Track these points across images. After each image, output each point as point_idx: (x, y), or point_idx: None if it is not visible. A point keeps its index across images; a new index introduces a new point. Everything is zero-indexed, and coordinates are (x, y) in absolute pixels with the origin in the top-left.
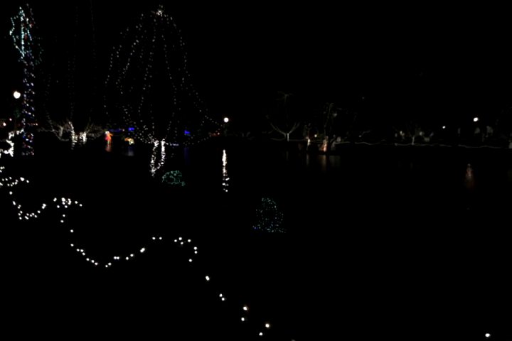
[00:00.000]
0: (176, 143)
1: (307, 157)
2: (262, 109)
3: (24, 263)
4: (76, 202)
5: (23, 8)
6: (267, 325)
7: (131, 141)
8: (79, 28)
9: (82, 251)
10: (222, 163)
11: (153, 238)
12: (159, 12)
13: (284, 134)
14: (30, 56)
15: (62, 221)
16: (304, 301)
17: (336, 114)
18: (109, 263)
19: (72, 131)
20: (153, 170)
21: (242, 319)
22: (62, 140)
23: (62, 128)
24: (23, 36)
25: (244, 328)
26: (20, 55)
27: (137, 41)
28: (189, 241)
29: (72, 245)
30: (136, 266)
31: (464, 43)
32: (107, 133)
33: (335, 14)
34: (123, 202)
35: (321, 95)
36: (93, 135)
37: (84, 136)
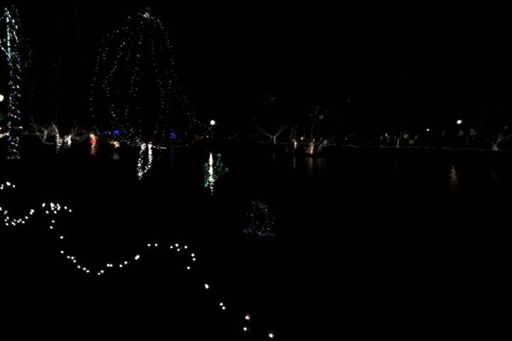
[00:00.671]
0: (164, 145)
1: (294, 159)
2: (249, 112)
3: (12, 271)
4: (65, 208)
5: (8, 9)
6: (271, 335)
7: (116, 144)
8: (64, 30)
9: (72, 258)
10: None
11: (149, 245)
12: (146, 14)
13: (271, 137)
14: (16, 58)
15: (51, 227)
16: (300, 306)
17: (322, 117)
18: (102, 271)
19: (57, 134)
20: (140, 174)
21: (245, 328)
22: (47, 143)
23: (46, 132)
24: (8, 38)
25: (247, 338)
26: (6, 56)
27: (124, 43)
28: (185, 247)
29: (62, 252)
30: (131, 274)
31: (448, 46)
32: (92, 136)
33: (320, 18)
34: (112, 206)
35: (307, 98)
36: (78, 138)
37: (68, 139)
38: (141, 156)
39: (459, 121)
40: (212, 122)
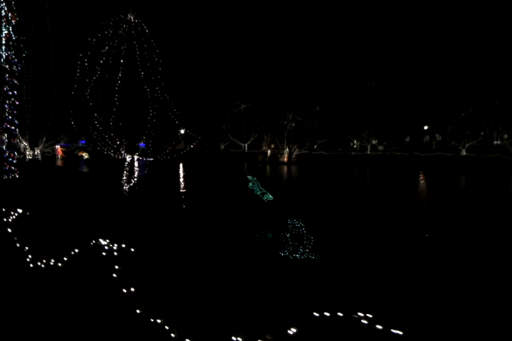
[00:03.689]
0: (151, 157)
1: (270, 168)
2: (219, 120)
3: None
4: (123, 246)
5: (4, 1)
6: None
7: (85, 156)
8: (36, 34)
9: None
10: (188, 177)
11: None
12: (130, 17)
13: (242, 145)
14: (13, 59)
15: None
16: None
17: (294, 124)
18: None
19: (27, 147)
20: (126, 188)
21: None
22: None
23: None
24: (4, 34)
25: None
26: (1, 56)
27: (107, 48)
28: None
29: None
30: None
31: (413, 53)
32: (58, 147)
33: (288, 26)
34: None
35: (278, 105)
36: (49, 150)
37: (38, 152)
38: (127, 168)
39: (426, 127)
40: (182, 131)
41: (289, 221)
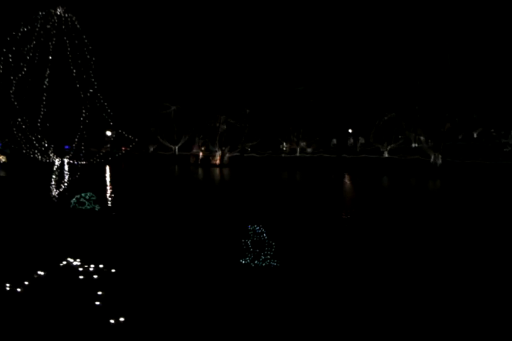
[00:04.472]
0: (83, 160)
1: (202, 171)
2: (148, 122)
3: None
4: None
5: None
6: None
7: (2, 159)
8: None
9: None
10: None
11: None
12: (59, 10)
13: (173, 147)
14: None
15: None
16: None
17: (225, 127)
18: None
19: None
20: (55, 193)
21: None
22: None
23: None
24: None
25: None
26: None
27: (34, 42)
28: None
29: None
30: None
31: (339, 59)
32: None
33: (218, 27)
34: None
35: (208, 107)
36: None
37: None
38: (56, 173)
39: (350, 130)
40: (109, 133)
41: (249, 227)
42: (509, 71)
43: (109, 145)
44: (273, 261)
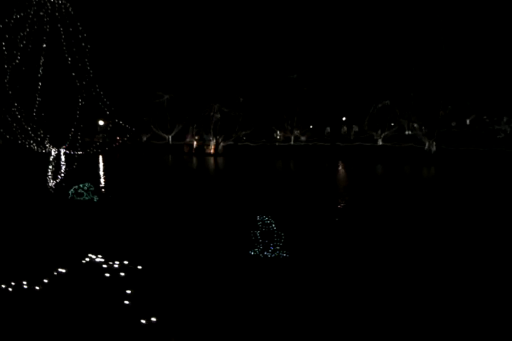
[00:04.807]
0: (80, 151)
1: (197, 160)
2: (141, 111)
3: None
4: None
5: None
6: None
7: None
8: None
9: None
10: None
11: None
12: None
13: (166, 137)
14: None
15: None
16: None
17: (219, 116)
18: None
19: None
20: (51, 184)
21: None
22: None
23: None
24: None
25: None
26: None
27: (28, 30)
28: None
29: None
30: None
31: (333, 46)
32: None
33: (210, 16)
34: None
35: (201, 96)
36: None
37: None
38: (53, 163)
39: (344, 118)
40: (101, 122)
41: (258, 217)
42: (501, 58)
43: (101, 135)
44: (282, 252)
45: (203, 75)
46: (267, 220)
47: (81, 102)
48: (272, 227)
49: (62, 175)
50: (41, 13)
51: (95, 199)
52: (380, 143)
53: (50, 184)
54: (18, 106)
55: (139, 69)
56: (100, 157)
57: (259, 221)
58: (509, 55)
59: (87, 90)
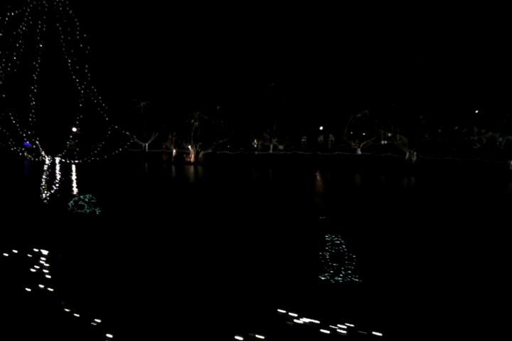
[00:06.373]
0: (77, 159)
1: (177, 168)
2: (116, 118)
3: None
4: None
5: None
6: None
7: None
8: None
9: None
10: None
11: None
12: None
13: (143, 144)
14: None
15: None
16: None
17: (197, 123)
18: None
19: None
20: (45, 195)
21: None
22: None
23: None
24: None
25: None
26: None
27: (24, 28)
28: None
29: None
30: None
31: (311, 55)
32: None
33: (189, 23)
34: None
35: (178, 104)
36: None
37: None
38: (47, 173)
39: (321, 127)
40: (74, 129)
41: (327, 237)
42: (473, 70)
43: (74, 142)
44: (355, 277)
45: (180, 83)
46: (337, 240)
47: (79, 107)
48: (343, 248)
49: (57, 185)
50: (39, 10)
51: (97, 211)
52: (359, 152)
53: (43, 195)
54: (12, 111)
55: (115, 74)
56: (74, 166)
57: (328, 241)
58: (484, 68)
59: (85, 95)
